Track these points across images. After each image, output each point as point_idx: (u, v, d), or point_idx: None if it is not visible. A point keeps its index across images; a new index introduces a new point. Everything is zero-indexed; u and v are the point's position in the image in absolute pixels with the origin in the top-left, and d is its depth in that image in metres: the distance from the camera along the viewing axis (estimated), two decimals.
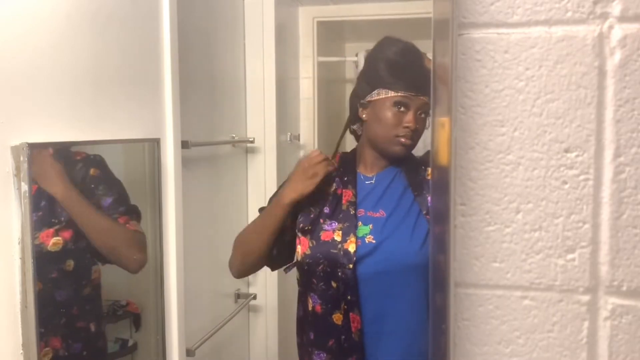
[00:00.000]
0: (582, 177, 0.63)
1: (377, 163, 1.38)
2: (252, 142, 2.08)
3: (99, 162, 1.17)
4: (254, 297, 2.10)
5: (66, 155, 1.09)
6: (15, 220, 0.91)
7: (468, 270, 0.65)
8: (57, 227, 1.05)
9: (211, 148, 1.86)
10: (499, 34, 0.63)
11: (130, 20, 1.19)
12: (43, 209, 1.02)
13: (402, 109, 1.31)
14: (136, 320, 1.31)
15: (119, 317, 1.27)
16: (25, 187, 0.90)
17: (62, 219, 1.06)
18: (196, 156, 1.68)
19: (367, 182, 1.37)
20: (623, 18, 0.61)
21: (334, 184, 1.37)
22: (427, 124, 1.35)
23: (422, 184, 1.33)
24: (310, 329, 1.37)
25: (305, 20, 2.33)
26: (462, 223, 0.65)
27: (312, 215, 1.35)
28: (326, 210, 1.34)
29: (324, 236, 1.32)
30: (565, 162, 0.63)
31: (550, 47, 0.62)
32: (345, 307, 1.29)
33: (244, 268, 1.46)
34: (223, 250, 1.97)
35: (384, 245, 1.29)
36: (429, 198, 1.30)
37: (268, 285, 2.14)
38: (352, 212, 1.33)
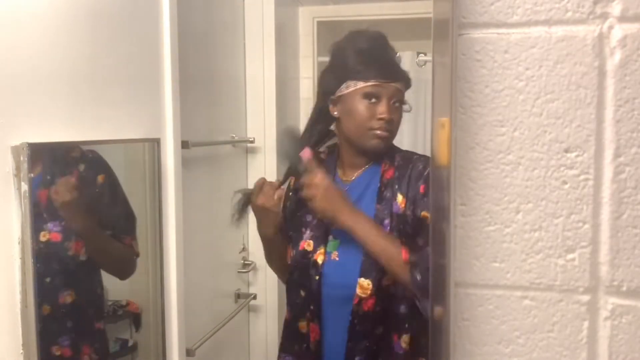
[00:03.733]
0: (582, 177, 0.63)
1: (356, 162, 1.32)
2: (252, 142, 2.09)
3: (104, 166, 1.15)
4: (254, 297, 2.10)
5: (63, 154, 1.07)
6: (15, 220, 0.91)
7: (468, 270, 0.65)
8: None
9: (211, 148, 1.86)
10: (498, 34, 0.63)
11: (130, 20, 1.19)
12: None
13: (373, 100, 1.24)
14: (136, 320, 1.31)
15: (119, 317, 1.27)
16: (25, 187, 0.90)
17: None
18: (196, 156, 1.68)
19: (345, 189, 1.31)
20: (623, 18, 0.61)
21: None
22: (402, 113, 1.29)
23: (401, 182, 1.26)
24: (283, 335, 1.39)
25: (305, 20, 2.33)
26: (462, 223, 0.65)
27: (296, 222, 1.34)
28: (308, 217, 1.32)
29: (300, 245, 1.31)
30: (565, 162, 0.63)
31: (550, 47, 0.62)
32: (309, 316, 1.30)
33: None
34: (223, 250, 1.98)
35: (345, 266, 1.27)
36: (397, 201, 1.24)
37: (268, 285, 2.14)
38: (325, 221, 1.30)
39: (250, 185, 2.13)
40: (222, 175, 1.95)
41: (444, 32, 0.62)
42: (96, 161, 1.13)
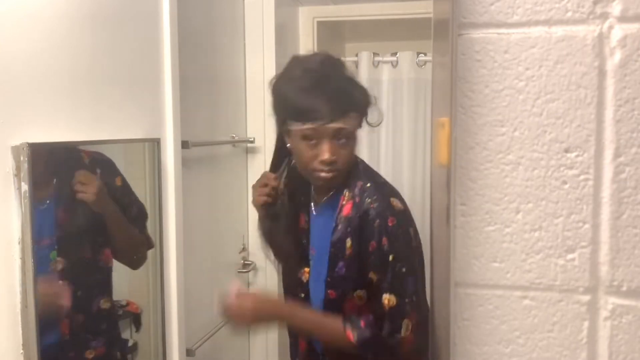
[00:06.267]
0: (582, 177, 0.63)
1: (321, 188, 1.27)
2: (252, 142, 2.09)
3: (116, 170, 1.19)
4: None
5: (76, 156, 1.09)
6: (15, 220, 0.91)
7: (468, 270, 0.65)
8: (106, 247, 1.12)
9: (211, 148, 1.86)
10: (499, 34, 0.63)
11: (130, 20, 1.19)
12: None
13: (313, 141, 1.14)
14: (136, 320, 1.31)
15: (119, 317, 1.27)
16: (25, 187, 0.90)
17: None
18: (196, 156, 1.68)
19: (314, 213, 1.30)
20: (623, 18, 0.61)
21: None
22: (353, 148, 1.18)
23: (352, 223, 1.16)
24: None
25: (305, 20, 2.33)
26: (462, 223, 0.65)
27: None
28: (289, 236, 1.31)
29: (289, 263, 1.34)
30: (565, 162, 0.63)
31: (550, 47, 0.62)
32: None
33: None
34: (223, 250, 1.98)
35: (311, 287, 1.28)
36: (347, 245, 1.17)
37: (268, 286, 2.14)
38: (305, 240, 1.30)
39: (250, 185, 2.13)
40: (222, 175, 1.95)
41: (444, 32, 0.62)
42: (108, 164, 1.17)
